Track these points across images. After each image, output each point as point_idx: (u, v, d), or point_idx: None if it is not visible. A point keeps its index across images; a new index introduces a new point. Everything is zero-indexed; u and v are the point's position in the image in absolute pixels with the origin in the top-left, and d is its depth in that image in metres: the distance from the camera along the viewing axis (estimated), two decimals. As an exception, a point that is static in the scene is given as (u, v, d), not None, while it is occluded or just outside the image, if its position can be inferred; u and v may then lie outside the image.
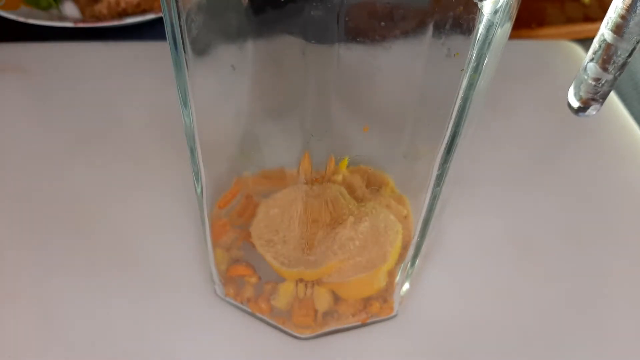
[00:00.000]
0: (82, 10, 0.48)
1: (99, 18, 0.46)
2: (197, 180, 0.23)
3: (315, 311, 0.25)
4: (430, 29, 0.15)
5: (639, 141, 0.39)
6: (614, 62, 0.18)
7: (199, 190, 0.23)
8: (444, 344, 0.27)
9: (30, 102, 0.39)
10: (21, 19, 0.44)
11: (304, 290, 0.24)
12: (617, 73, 0.18)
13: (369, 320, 0.27)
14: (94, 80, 0.41)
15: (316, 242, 0.22)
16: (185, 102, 0.20)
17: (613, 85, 0.19)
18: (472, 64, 0.16)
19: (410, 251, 0.24)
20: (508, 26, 0.17)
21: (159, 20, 0.45)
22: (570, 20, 0.51)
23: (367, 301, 0.26)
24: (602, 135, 0.39)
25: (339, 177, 0.21)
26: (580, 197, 0.35)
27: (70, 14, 0.48)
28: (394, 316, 0.27)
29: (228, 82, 0.19)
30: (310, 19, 0.15)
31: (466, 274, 0.30)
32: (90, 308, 0.27)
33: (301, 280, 0.24)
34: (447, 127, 0.18)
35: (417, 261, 0.25)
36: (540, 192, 0.35)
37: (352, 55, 0.16)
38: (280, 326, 0.26)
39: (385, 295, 0.26)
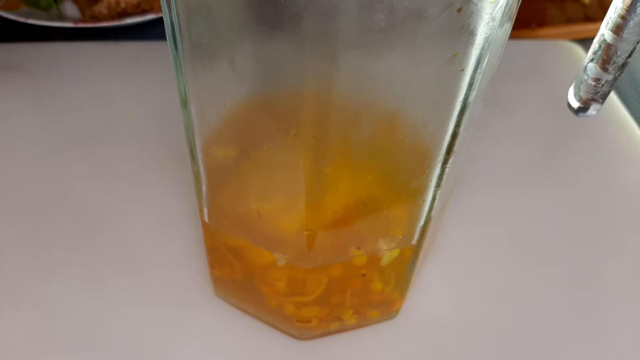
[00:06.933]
0: (82, 10, 0.48)
1: (99, 18, 0.46)
2: (197, 180, 0.23)
3: (315, 311, 0.25)
4: (430, 29, 0.15)
5: (639, 141, 0.39)
6: (614, 62, 0.18)
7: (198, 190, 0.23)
8: (444, 345, 0.27)
9: (30, 102, 0.39)
10: (21, 19, 0.44)
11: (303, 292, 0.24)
12: (617, 73, 0.18)
13: (369, 321, 0.27)
14: (94, 80, 0.41)
15: (316, 243, 0.22)
16: (185, 102, 0.20)
17: (613, 85, 0.19)
18: (472, 64, 0.16)
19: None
20: (508, 26, 0.17)
21: (159, 20, 0.45)
22: (570, 20, 0.51)
23: (367, 301, 0.26)
24: (602, 135, 0.39)
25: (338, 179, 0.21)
26: (580, 197, 0.35)
27: (70, 14, 0.48)
28: (394, 317, 0.27)
29: (228, 82, 0.19)
30: (310, 19, 0.15)
31: (466, 275, 0.30)
32: (90, 309, 0.27)
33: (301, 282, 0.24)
34: (447, 127, 0.18)
35: (417, 262, 0.25)
36: (540, 192, 0.35)
37: (352, 55, 0.16)
38: (280, 327, 0.26)
39: (385, 295, 0.26)
